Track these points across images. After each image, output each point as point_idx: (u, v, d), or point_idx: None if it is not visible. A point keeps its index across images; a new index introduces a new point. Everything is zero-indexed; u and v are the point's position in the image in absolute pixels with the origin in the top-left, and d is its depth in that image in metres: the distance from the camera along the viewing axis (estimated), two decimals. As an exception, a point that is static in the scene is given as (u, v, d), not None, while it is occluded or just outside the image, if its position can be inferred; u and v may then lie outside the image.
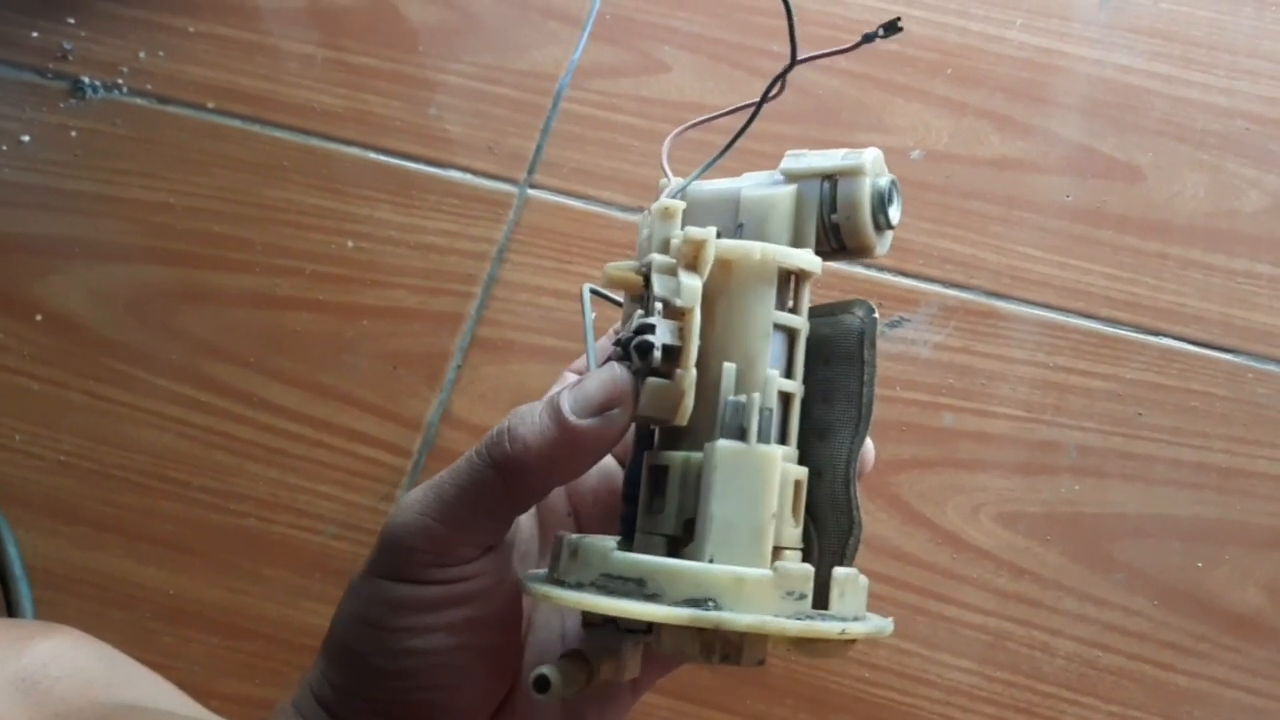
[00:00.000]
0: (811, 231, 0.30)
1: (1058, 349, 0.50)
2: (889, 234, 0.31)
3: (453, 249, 0.52)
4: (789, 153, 0.31)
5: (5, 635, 0.38)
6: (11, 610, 0.46)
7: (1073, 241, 0.52)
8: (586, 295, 0.32)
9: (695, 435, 0.28)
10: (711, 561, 0.27)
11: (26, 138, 0.54)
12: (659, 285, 0.28)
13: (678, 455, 0.28)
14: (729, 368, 0.28)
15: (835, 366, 0.30)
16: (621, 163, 0.53)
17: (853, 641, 0.27)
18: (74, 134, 0.54)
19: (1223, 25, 0.55)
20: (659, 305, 0.28)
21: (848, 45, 0.30)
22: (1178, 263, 0.52)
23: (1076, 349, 0.50)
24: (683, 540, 0.28)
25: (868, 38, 0.30)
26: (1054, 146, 0.54)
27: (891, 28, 0.30)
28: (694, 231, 0.28)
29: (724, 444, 0.27)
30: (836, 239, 0.30)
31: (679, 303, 0.27)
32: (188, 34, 0.56)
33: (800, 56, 0.31)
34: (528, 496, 0.29)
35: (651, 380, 0.28)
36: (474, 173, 0.54)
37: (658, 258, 0.28)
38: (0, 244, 0.52)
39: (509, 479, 0.28)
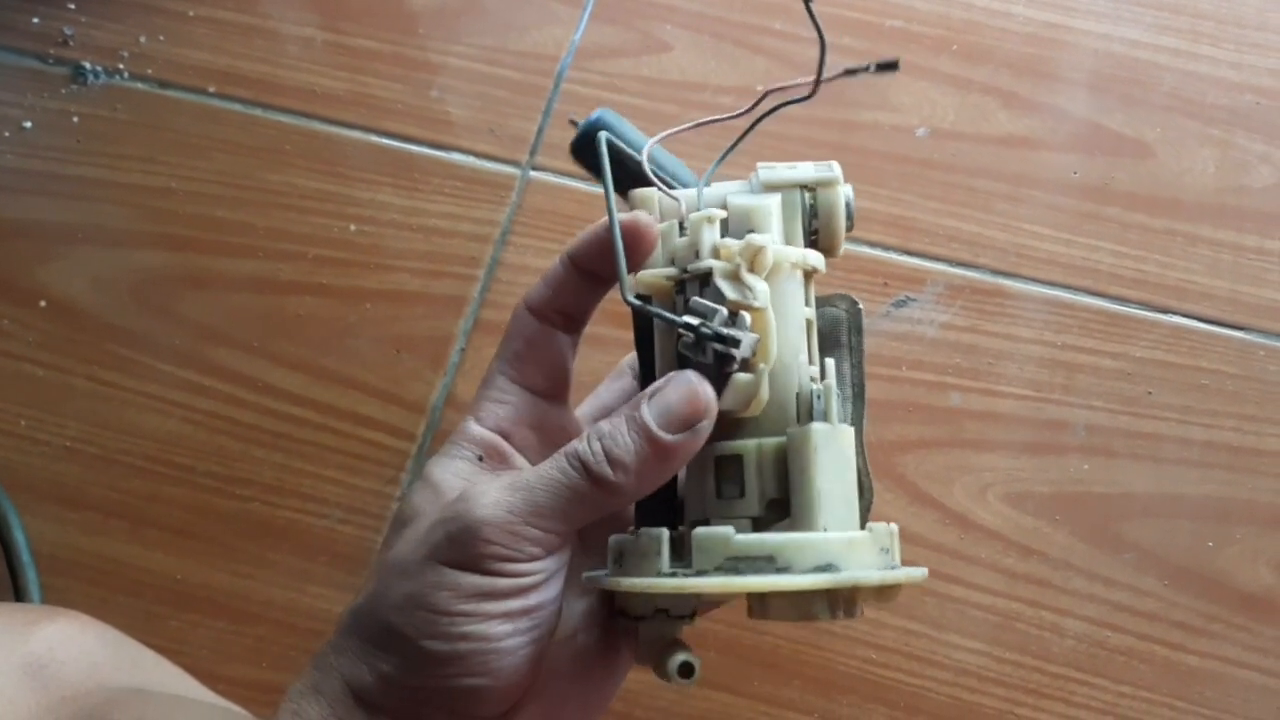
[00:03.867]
0: (798, 234, 0.33)
1: (1065, 327, 0.50)
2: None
3: (455, 232, 0.52)
4: (760, 165, 0.34)
5: (13, 620, 0.38)
6: (19, 595, 0.46)
7: (1080, 219, 0.52)
8: (603, 144, 0.33)
9: (758, 424, 0.31)
10: (825, 530, 0.29)
11: (28, 124, 0.54)
12: (730, 290, 0.30)
13: (750, 444, 0.31)
14: (802, 360, 0.31)
15: (828, 353, 0.33)
16: (624, 144, 0.53)
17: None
18: (75, 119, 0.54)
19: (1232, -2, 0.55)
20: (724, 310, 0.30)
21: (832, 75, 0.33)
22: (1186, 239, 0.51)
23: (1084, 327, 0.50)
24: (766, 519, 0.30)
25: (850, 71, 0.33)
26: (1061, 123, 0.53)
27: (886, 66, 0.33)
28: (754, 238, 0.31)
29: (818, 426, 0.30)
30: (810, 242, 0.33)
31: (756, 304, 0.30)
32: (187, 18, 0.56)
33: (772, 86, 0.34)
34: (610, 510, 0.31)
35: (738, 377, 0.30)
36: (476, 155, 0.53)
37: (718, 264, 0.31)
38: (3, 230, 0.52)
39: (605, 496, 0.30)
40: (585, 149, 0.35)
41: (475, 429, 0.34)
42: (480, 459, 0.34)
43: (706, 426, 0.30)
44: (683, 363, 0.31)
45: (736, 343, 0.30)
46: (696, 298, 0.30)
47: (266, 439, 0.49)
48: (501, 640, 0.30)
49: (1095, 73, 0.54)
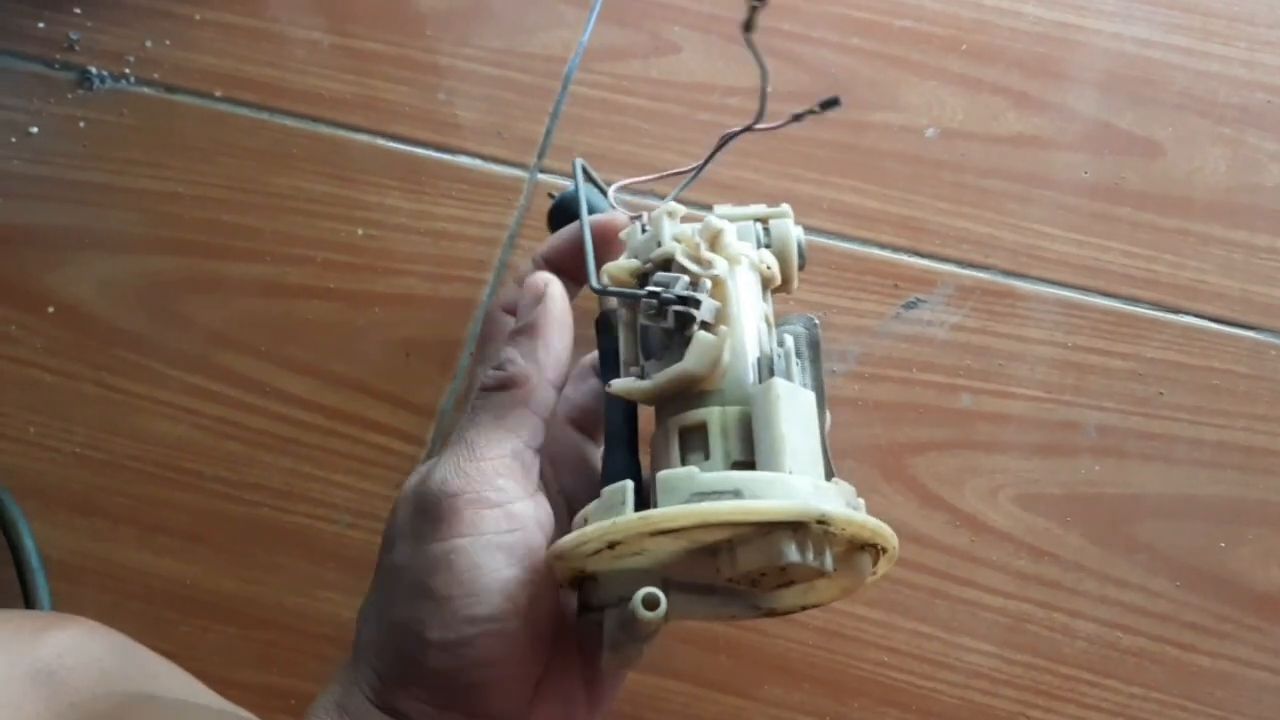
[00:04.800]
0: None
1: (1076, 328, 0.50)
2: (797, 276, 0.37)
3: (463, 235, 0.52)
4: (716, 208, 0.37)
5: (22, 626, 0.38)
6: (29, 602, 0.46)
7: (1091, 219, 0.52)
8: (579, 168, 0.38)
9: (720, 395, 0.32)
10: (791, 473, 0.29)
11: (35, 129, 0.54)
12: (690, 264, 0.32)
13: (713, 410, 0.31)
14: (762, 330, 0.33)
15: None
16: (632, 146, 0.53)
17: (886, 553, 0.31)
18: (82, 125, 0.54)
19: (1243, -4, 0.54)
20: (685, 278, 0.32)
21: (779, 124, 0.35)
22: (1198, 239, 0.51)
23: (1096, 328, 0.50)
24: None
25: (797, 117, 0.35)
26: (1071, 123, 0.53)
27: (828, 104, 0.34)
28: (712, 220, 0.34)
29: (780, 380, 0.30)
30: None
31: (715, 272, 0.32)
32: (194, 22, 0.56)
33: (728, 133, 0.37)
34: (537, 404, 0.33)
35: (701, 335, 0.31)
36: (484, 158, 0.53)
37: (678, 245, 0.33)
38: (11, 236, 0.52)
39: (515, 391, 0.33)
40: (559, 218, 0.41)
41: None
42: None
43: (554, 292, 0.34)
44: (645, 334, 0.33)
45: (697, 303, 0.31)
46: (660, 273, 0.32)
47: (275, 444, 0.49)
48: (502, 621, 0.30)
49: (1106, 72, 0.54)
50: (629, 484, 0.30)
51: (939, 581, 0.46)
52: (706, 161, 0.37)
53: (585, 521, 0.31)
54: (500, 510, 0.31)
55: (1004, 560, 0.46)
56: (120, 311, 0.51)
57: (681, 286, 0.31)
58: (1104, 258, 0.51)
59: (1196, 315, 0.50)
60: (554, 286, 0.35)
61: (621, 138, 0.53)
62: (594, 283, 0.34)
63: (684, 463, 0.31)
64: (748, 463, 0.30)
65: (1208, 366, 0.49)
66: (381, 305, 0.51)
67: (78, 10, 0.56)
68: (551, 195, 0.41)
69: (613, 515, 0.29)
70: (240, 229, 0.52)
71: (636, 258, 0.35)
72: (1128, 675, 0.45)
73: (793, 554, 0.28)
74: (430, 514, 0.30)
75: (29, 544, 0.47)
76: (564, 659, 0.33)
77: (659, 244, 0.34)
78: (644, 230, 0.35)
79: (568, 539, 0.29)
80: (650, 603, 0.27)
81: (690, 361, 0.31)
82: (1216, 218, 0.51)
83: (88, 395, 0.50)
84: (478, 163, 0.53)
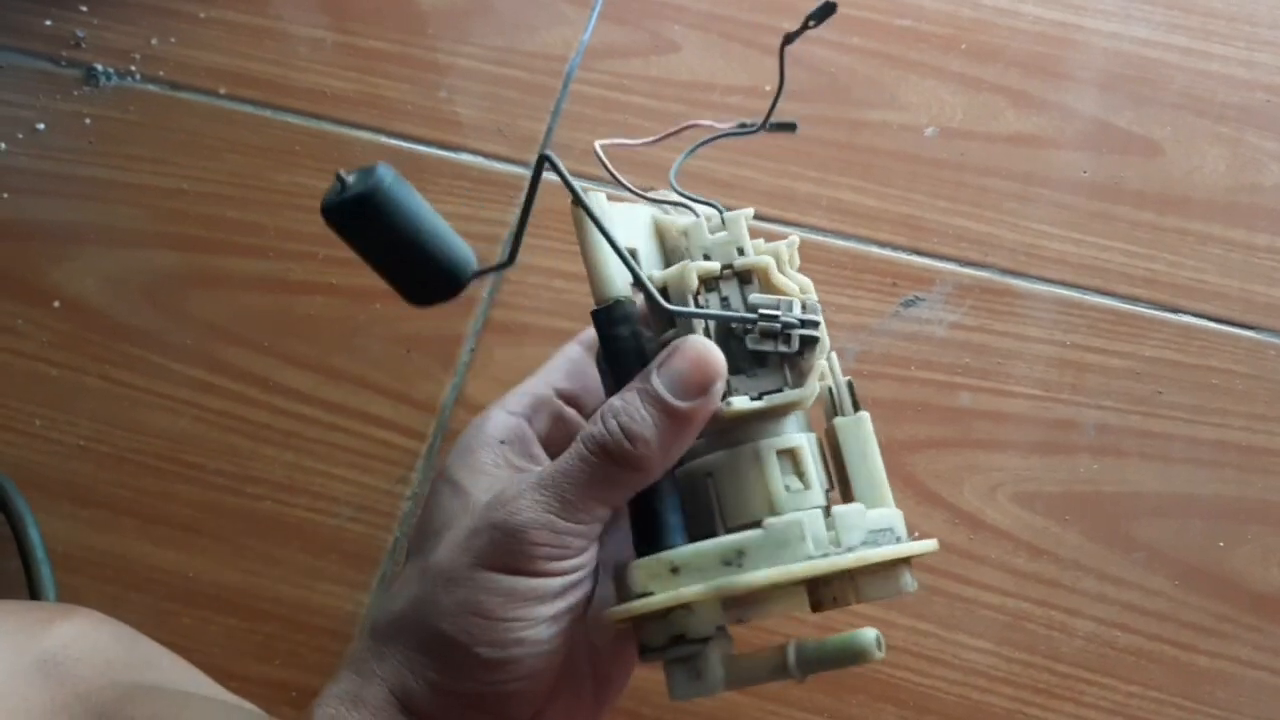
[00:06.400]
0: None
1: (1075, 327, 0.50)
2: None
3: (464, 232, 0.51)
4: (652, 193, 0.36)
5: (27, 617, 0.39)
6: (34, 593, 0.46)
7: (1090, 218, 0.52)
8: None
9: (796, 417, 0.32)
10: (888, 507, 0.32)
11: (41, 125, 0.55)
12: (786, 282, 0.32)
13: (802, 436, 0.32)
14: (834, 356, 0.34)
15: None
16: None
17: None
18: (88, 121, 0.55)
19: (1243, -4, 0.54)
20: (796, 300, 0.31)
21: (750, 130, 0.35)
22: (1197, 238, 0.51)
23: (1094, 327, 0.50)
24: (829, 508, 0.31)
25: (744, 126, 0.35)
26: (1070, 122, 0.53)
27: (782, 126, 0.35)
28: (776, 244, 0.33)
29: (865, 413, 0.33)
30: None
31: (811, 297, 0.31)
32: (199, 20, 0.56)
33: (696, 122, 0.36)
34: (643, 485, 0.31)
35: (819, 363, 0.31)
36: (485, 155, 0.54)
37: (772, 260, 0.32)
38: (17, 231, 0.53)
39: (630, 474, 0.30)
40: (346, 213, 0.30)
41: (501, 415, 0.35)
42: (502, 443, 0.34)
43: (720, 388, 0.30)
44: (758, 359, 0.31)
45: (817, 324, 0.31)
46: (757, 294, 0.31)
47: (277, 437, 0.49)
48: (548, 643, 0.30)
49: (1105, 71, 0.54)
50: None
51: (937, 579, 0.46)
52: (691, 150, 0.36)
53: (742, 555, 0.30)
54: (568, 563, 0.31)
55: (1002, 558, 0.46)
56: (124, 306, 0.51)
57: (799, 309, 0.31)
58: (1103, 256, 0.51)
59: (1195, 314, 0.50)
60: (720, 382, 0.30)
61: (621, 136, 0.53)
62: (665, 304, 0.31)
63: (786, 489, 0.31)
64: (832, 487, 0.32)
65: (1206, 365, 0.49)
66: (383, 301, 0.51)
67: (84, 8, 0.57)
68: (340, 178, 0.30)
69: (792, 555, 0.29)
70: (244, 225, 0.52)
71: (710, 257, 0.32)
72: (1125, 674, 0.45)
73: (910, 583, 0.31)
74: (503, 547, 0.30)
75: (34, 535, 0.47)
76: (575, 659, 0.33)
77: (740, 251, 0.32)
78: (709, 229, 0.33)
79: (697, 594, 0.29)
80: (880, 643, 0.29)
81: (809, 389, 0.31)
82: (1215, 217, 0.51)
83: (92, 389, 0.50)
84: (479, 160, 0.53)
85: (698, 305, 0.31)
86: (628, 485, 0.30)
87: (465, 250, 0.31)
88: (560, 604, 0.30)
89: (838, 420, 0.32)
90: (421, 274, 0.31)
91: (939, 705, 0.45)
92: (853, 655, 0.29)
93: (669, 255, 0.34)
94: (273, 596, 0.47)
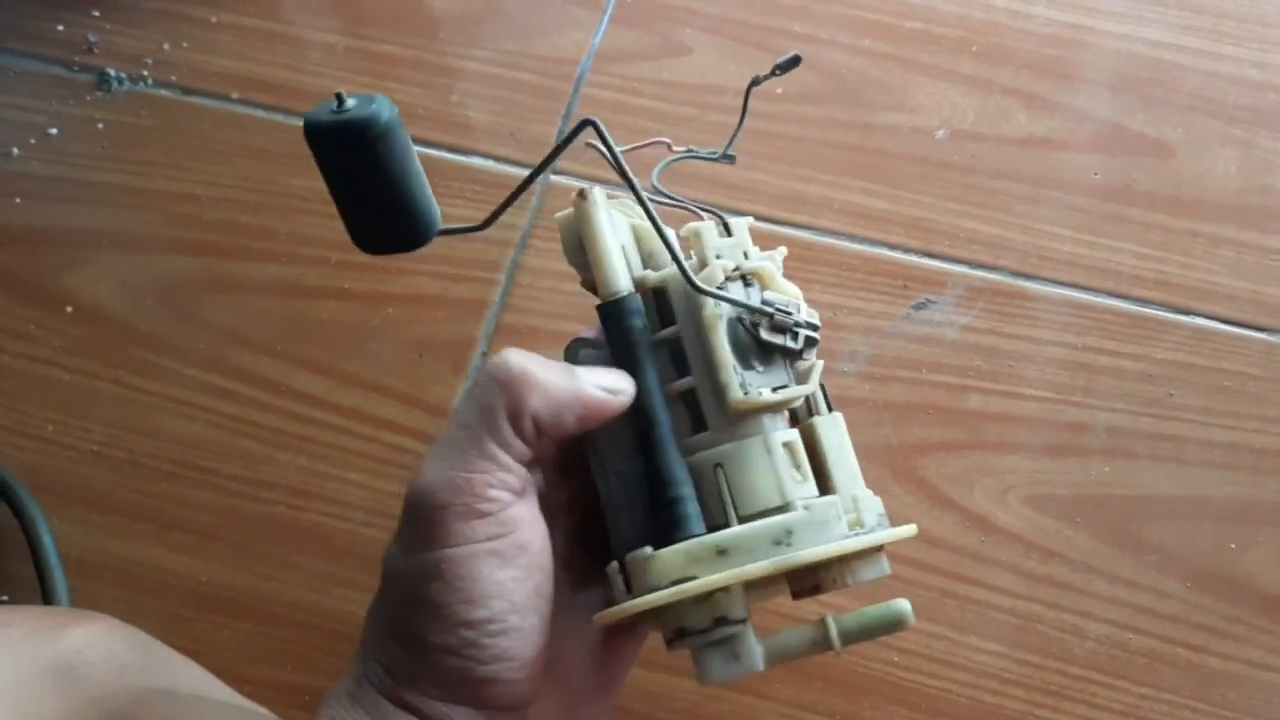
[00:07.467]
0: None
1: (1086, 329, 0.50)
2: None
3: (476, 236, 0.52)
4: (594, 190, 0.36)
5: (41, 623, 0.39)
6: (48, 598, 0.47)
7: (1101, 220, 0.52)
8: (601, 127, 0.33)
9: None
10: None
11: (54, 131, 0.55)
12: (788, 286, 0.34)
13: (794, 430, 0.33)
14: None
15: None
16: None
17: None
18: (100, 126, 0.55)
19: (1255, -3, 0.54)
20: (802, 303, 0.33)
21: (680, 156, 0.37)
22: (1209, 240, 0.51)
23: (1106, 329, 0.50)
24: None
25: (691, 151, 0.37)
26: (1082, 124, 0.53)
27: (727, 157, 0.37)
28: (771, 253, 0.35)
29: (839, 414, 0.35)
30: None
31: (801, 302, 0.33)
32: (210, 25, 0.56)
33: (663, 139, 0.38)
34: (532, 411, 0.30)
35: (818, 362, 0.33)
36: (496, 159, 0.54)
37: (775, 266, 0.34)
38: (31, 237, 0.53)
39: (513, 393, 0.30)
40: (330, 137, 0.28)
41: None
42: None
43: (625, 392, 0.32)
44: (764, 347, 0.33)
45: (817, 326, 0.33)
46: (770, 293, 0.33)
47: (290, 442, 0.49)
48: (508, 586, 0.30)
49: (1116, 73, 0.54)
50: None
51: (948, 582, 0.46)
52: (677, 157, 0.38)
53: (786, 536, 0.31)
54: (491, 518, 0.30)
55: (1013, 561, 0.46)
56: (138, 311, 0.51)
57: (805, 311, 0.33)
58: (1114, 259, 0.51)
59: (1207, 316, 0.50)
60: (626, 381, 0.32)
61: (633, 139, 0.53)
62: (697, 282, 0.32)
63: (792, 476, 0.33)
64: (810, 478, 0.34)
65: (1218, 368, 0.49)
66: (395, 305, 0.51)
67: (96, 13, 0.57)
68: (339, 95, 0.30)
69: (828, 535, 0.31)
70: (256, 230, 0.53)
71: (722, 257, 0.33)
72: (1138, 676, 0.45)
73: (888, 567, 0.33)
74: (419, 523, 0.30)
75: (48, 541, 0.47)
76: (570, 651, 0.33)
77: (745, 254, 0.34)
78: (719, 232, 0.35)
79: (716, 581, 0.30)
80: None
81: (812, 386, 0.33)
82: (1227, 219, 0.51)
83: (105, 394, 0.50)
84: (490, 164, 0.53)
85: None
86: (515, 411, 0.30)
87: (435, 207, 0.31)
88: (504, 574, 0.30)
89: (817, 419, 0.34)
90: (390, 219, 0.30)
91: (951, 708, 0.45)
92: (893, 623, 0.30)
93: (645, 258, 0.35)
94: (286, 601, 0.47)
